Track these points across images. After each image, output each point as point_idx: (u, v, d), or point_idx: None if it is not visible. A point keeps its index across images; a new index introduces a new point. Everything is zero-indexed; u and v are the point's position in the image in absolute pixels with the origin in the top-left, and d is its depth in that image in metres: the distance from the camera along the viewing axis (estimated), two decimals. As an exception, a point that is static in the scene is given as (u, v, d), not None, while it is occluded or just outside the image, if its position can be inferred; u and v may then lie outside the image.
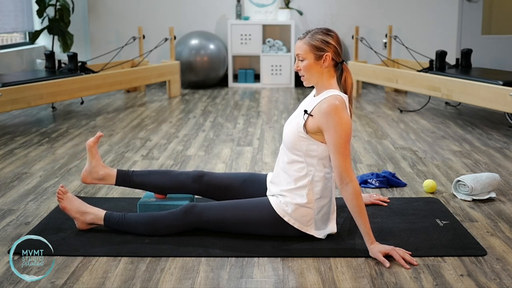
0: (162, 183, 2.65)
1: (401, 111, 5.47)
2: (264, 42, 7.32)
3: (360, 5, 7.36)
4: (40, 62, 6.71)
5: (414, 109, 5.55)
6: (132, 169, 2.72)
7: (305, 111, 2.33)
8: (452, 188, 3.05)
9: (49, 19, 6.70)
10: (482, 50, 6.86)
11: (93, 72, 5.48)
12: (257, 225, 2.41)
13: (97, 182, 2.67)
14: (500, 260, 2.26)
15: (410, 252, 2.27)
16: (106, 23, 7.40)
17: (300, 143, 2.35)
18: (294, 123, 2.39)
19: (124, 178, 2.66)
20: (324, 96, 2.31)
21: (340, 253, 2.31)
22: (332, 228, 2.46)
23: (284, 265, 2.22)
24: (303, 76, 2.36)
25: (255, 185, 2.62)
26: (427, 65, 5.70)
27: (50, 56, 5.52)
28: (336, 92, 2.32)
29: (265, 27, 7.33)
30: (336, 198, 2.72)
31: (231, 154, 3.92)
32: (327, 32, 2.34)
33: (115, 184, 2.67)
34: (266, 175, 2.66)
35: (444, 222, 2.63)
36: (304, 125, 2.33)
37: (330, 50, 2.32)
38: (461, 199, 2.97)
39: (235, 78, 7.47)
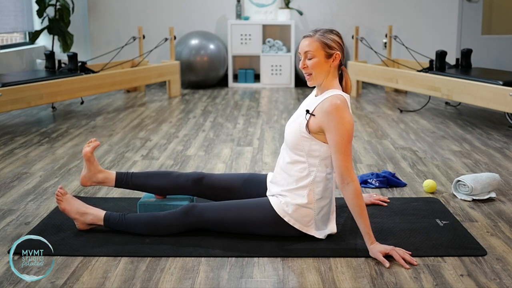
0: (161, 185, 2.65)
1: (401, 111, 5.47)
2: (264, 42, 7.32)
3: (360, 5, 7.36)
4: (40, 62, 6.71)
5: (414, 109, 5.55)
6: (132, 171, 2.72)
7: (307, 111, 2.33)
8: (452, 188, 3.05)
9: (49, 19, 6.70)
10: (482, 50, 6.86)
11: (93, 72, 5.48)
12: (257, 225, 2.41)
13: (96, 184, 2.68)
14: (500, 260, 2.26)
15: (410, 252, 2.27)
16: (106, 23, 7.40)
17: (303, 143, 2.35)
18: (296, 123, 2.39)
19: (123, 181, 2.67)
20: (326, 96, 2.32)
21: (340, 253, 2.31)
22: (332, 228, 2.46)
23: (284, 265, 2.22)
24: (310, 74, 2.35)
25: (255, 185, 2.62)
26: (427, 65, 5.70)
27: (50, 56, 5.52)
28: (338, 91, 2.33)
29: (265, 27, 7.33)
30: (336, 198, 2.72)
31: (231, 154, 3.92)
32: (335, 32, 2.37)
33: (115, 186, 2.68)
34: (266, 175, 2.66)
35: (444, 222, 2.63)
36: (306, 125, 2.33)
37: (340, 49, 2.33)
38: (461, 199, 2.97)
39: (235, 78, 7.47)
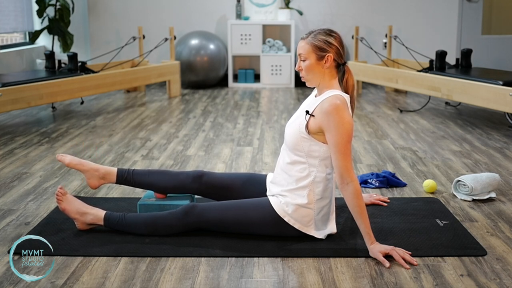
0: (162, 182, 2.65)
1: (401, 111, 5.47)
2: (264, 42, 7.32)
3: (360, 5, 7.36)
4: (40, 62, 6.71)
5: (414, 109, 5.55)
6: (133, 168, 2.72)
7: (307, 112, 2.33)
8: (452, 188, 3.05)
9: (49, 19, 6.70)
10: (482, 50, 6.86)
11: (93, 72, 5.48)
12: (257, 225, 2.41)
13: (102, 182, 2.68)
14: (500, 260, 2.26)
15: (410, 252, 2.27)
16: (106, 23, 7.40)
17: (302, 144, 2.35)
18: (296, 123, 2.39)
19: (125, 177, 2.67)
20: (326, 96, 2.31)
21: (340, 253, 2.31)
22: (332, 228, 2.46)
23: (284, 265, 2.22)
24: (305, 76, 2.37)
25: (255, 186, 2.62)
26: (427, 65, 5.70)
27: (50, 56, 5.52)
28: (337, 92, 2.32)
29: (265, 27, 7.33)
30: (336, 198, 2.72)
31: (231, 154, 3.92)
32: (330, 33, 2.34)
33: (116, 182, 2.68)
34: (266, 176, 2.66)
35: (444, 222, 2.63)
36: (306, 126, 2.33)
37: (332, 51, 2.32)
38: (461, 199, 2.97)
39: (235, 78, 7.47)
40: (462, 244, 2.39)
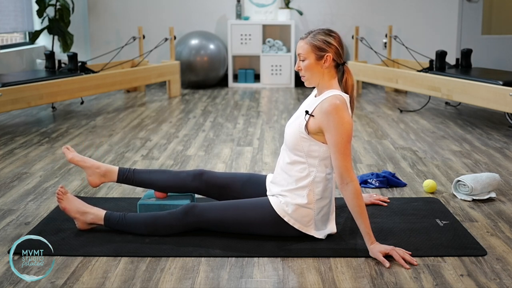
0: (163, 181, 2.66)
1: (401, 111, 5.47)
2: (264, 42, 7.32)
3: (360, 5, 7.36)
4: (40, 62, 6.71)
5: (414, 109, 5.55)
6: (134, 167, 2.72)
7: (306, 112, 2.34)
8: (452, 188, 3.05)
9: (49, 19, 6.70)
10: (482, 50, 6.86)
11: (93, 72, 5.48)
12: (257, 225, 2.41)
13: (103, 180, 2.68)
14: (500, 260, 2.26)
15: (410, 252, 2.27)
16: (106, 23, 7.40)
17: (302, 144, 2.35)
18: (296, 124, 2.39)
19: (126, 175, 2.67)
20: (325, 96, 2.32)
21: (340, 253, 2.31)
22: (331, 228, 2.46)
23: (284, 265, 2.22)
24: (304, 76, 2.37)
25: (255, 186, 2.62)
26: (427, 65, 5.70)
27: (50, 56, 5.52)
28: (337, 92, 2.33)
29: (265, 27, 7.33)
30: (336, 198, 2.72)
31: (231, 154, 3.92)
32: (329, 32, 2.35)
33: (117, 181, 2.68)
34: (266, 176, 2.66)
35: (444, 222, 2.63)
36: (306, 126, 2.33)
37: (331, 50, 2.32)
38: (461, 199, 2.97)
39: (235, 78, 7.47)
40: (462, 244, 2.39)
